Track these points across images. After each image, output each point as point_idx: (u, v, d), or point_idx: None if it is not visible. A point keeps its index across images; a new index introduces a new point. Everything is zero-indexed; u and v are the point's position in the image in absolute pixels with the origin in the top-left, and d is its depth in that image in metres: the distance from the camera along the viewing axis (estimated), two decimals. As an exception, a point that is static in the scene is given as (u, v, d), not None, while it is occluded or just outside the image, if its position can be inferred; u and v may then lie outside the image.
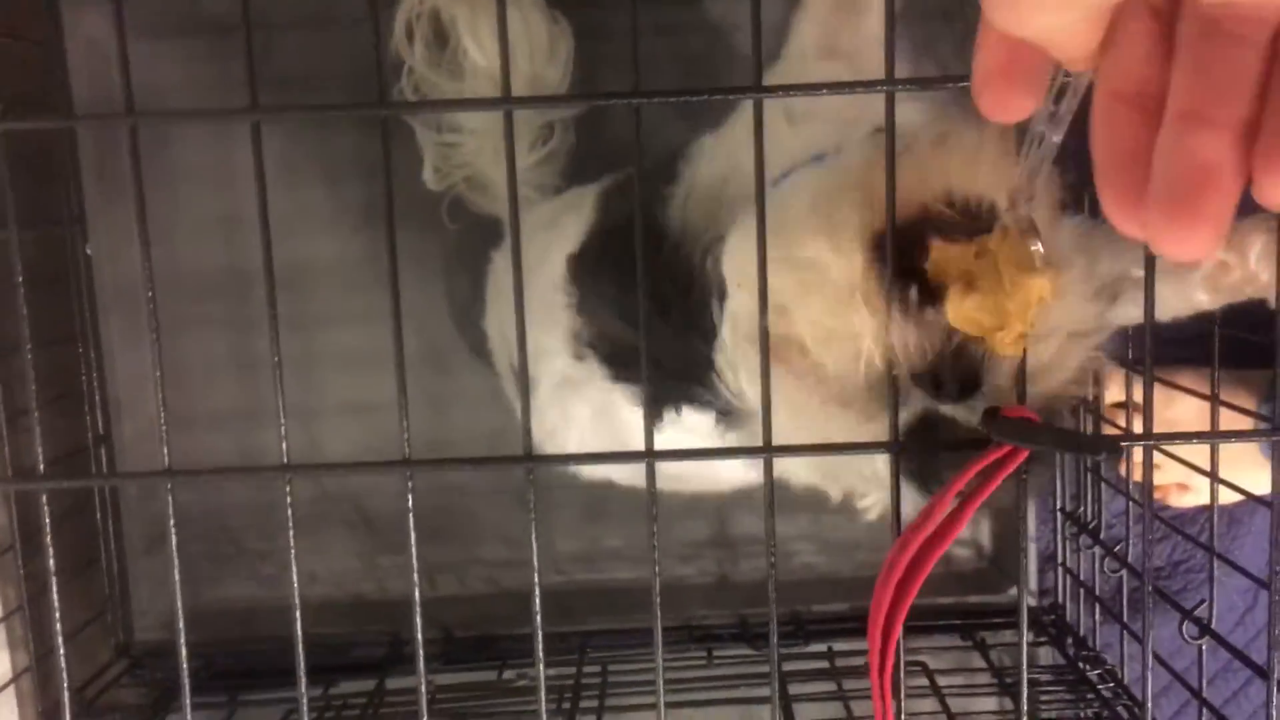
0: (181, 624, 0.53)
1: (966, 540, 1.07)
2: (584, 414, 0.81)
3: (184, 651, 0.54)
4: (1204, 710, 0.77)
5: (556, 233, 0.82)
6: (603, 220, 0.78)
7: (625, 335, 0.64)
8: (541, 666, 0.56)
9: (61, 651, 0.57)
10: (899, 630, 0.52)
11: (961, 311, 0.49)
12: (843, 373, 0.53)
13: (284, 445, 0.53)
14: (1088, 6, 0.31)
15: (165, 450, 0.53)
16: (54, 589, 0.54)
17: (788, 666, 0.98)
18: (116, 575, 1.02)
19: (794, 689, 0.95)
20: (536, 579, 0.53)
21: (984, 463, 0.51)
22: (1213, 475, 0.72)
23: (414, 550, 0.54)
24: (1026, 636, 1.00)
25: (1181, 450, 0.89)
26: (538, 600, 0.54)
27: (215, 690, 0.97)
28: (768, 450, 0.52)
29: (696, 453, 0.55)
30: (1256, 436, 0.61)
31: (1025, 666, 0.55)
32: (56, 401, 0.95)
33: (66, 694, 0.60)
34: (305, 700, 0.58)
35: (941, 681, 0.94)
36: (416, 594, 0.54)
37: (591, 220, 0.80)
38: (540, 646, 0.56)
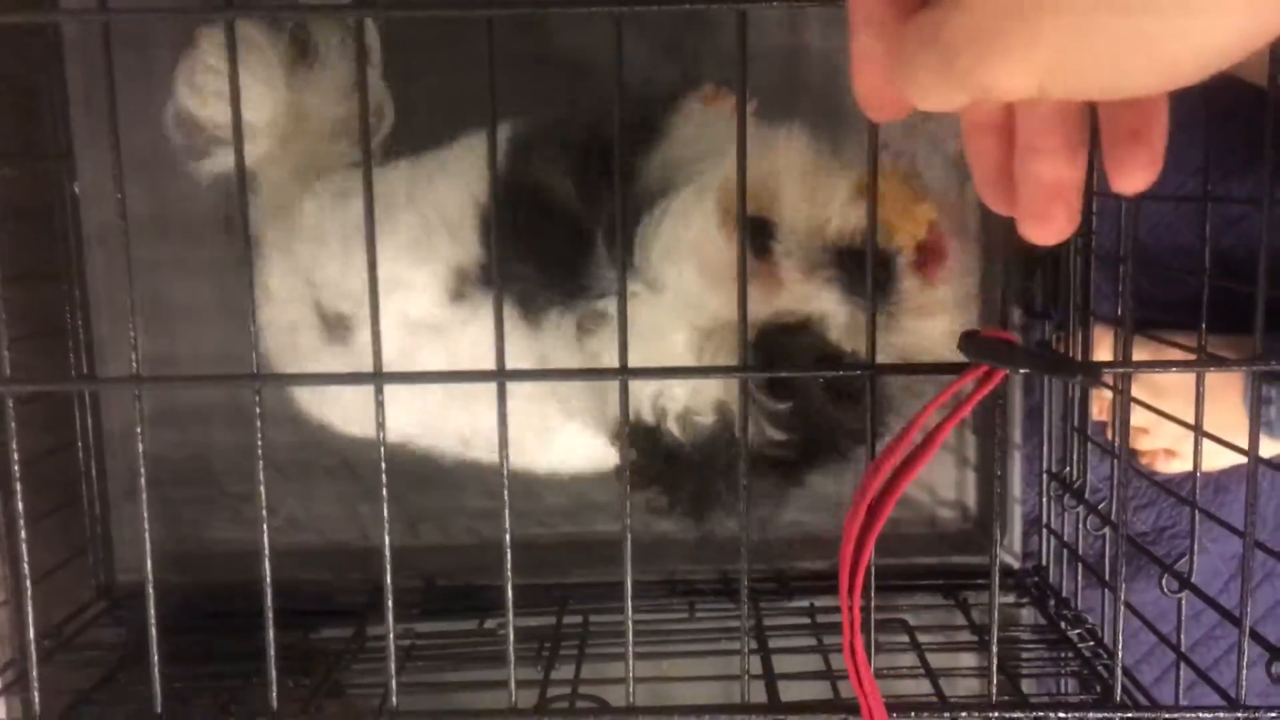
0: (148, 523, 0.53)
1: (951, 502, 1.07)
2: (434, 363, 0.77)
3: (150, 559, 0.54)
4: (1182, 666, 0.77)
5: (441, 173, 0.81)
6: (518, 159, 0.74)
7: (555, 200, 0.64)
8: (510, 587, 0.56)
9: (26, 558, 0.56)
10: (869, 554, 0.52)
11: None
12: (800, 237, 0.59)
13: (254, 355, 0.52)
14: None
15: (135, 356, 0.52)
16: (19, 495, 0.54)
17: (769, 621, 0.98)
18: (98, 516, 1.02)
19: (775, 643, 0.94)
20: (507, 491, 0.53)
21: (960, 384, 0.50)
22: (1198, 409, 0.71)
23: (384, 467, 0.54)
24: (1009, 598, 1.01)
25: (1169, 409, 0.89)
26: (508, 518, 0.53)
27: (194, 632, 0.97)
28: (743, 370, 0.51)
29: (671, 371, 0.55)
30: (1238, 365, 0.60)
31: (996, 592, 0.54)
32: (37, 338, 0.95)
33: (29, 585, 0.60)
34: (272, 634, 0.58)
35: (923, 639, 0.94)
36: (385, 510, 0.53)
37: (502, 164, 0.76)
38: (510, 562, 0.56)
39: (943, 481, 1.06)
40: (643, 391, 0.62)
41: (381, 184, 0.78)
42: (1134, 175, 0.39)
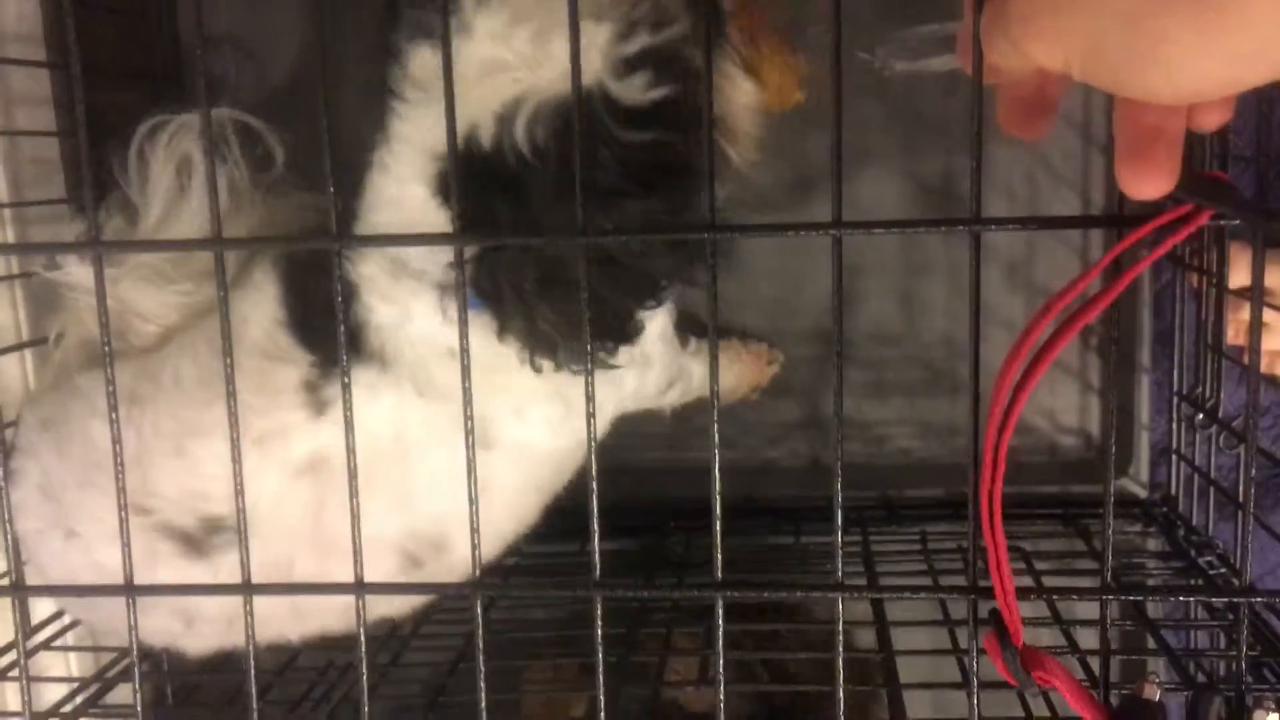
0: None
1: (1073, 429, 1.02)
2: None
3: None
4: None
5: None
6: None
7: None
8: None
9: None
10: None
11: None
12: None
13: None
14: None
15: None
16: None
17: (877, 548, 0.95)
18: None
19: (882, 568, 0.91)
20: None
21: (1162, 221, 0.46)
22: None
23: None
24: (1135, 527, 0.96)
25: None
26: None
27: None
28: (837, 226, 0.48)
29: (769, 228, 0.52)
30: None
31: (1112, 466, 0.50)
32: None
33: None
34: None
35: (1040, 566, 0.91)
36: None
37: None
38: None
39: (1064, 407, 1.01)
40: (487, 93, 0.57)
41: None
42: (1132, 184, 0.41)
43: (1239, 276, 0.94)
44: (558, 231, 0.55)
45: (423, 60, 0.60)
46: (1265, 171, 0.80)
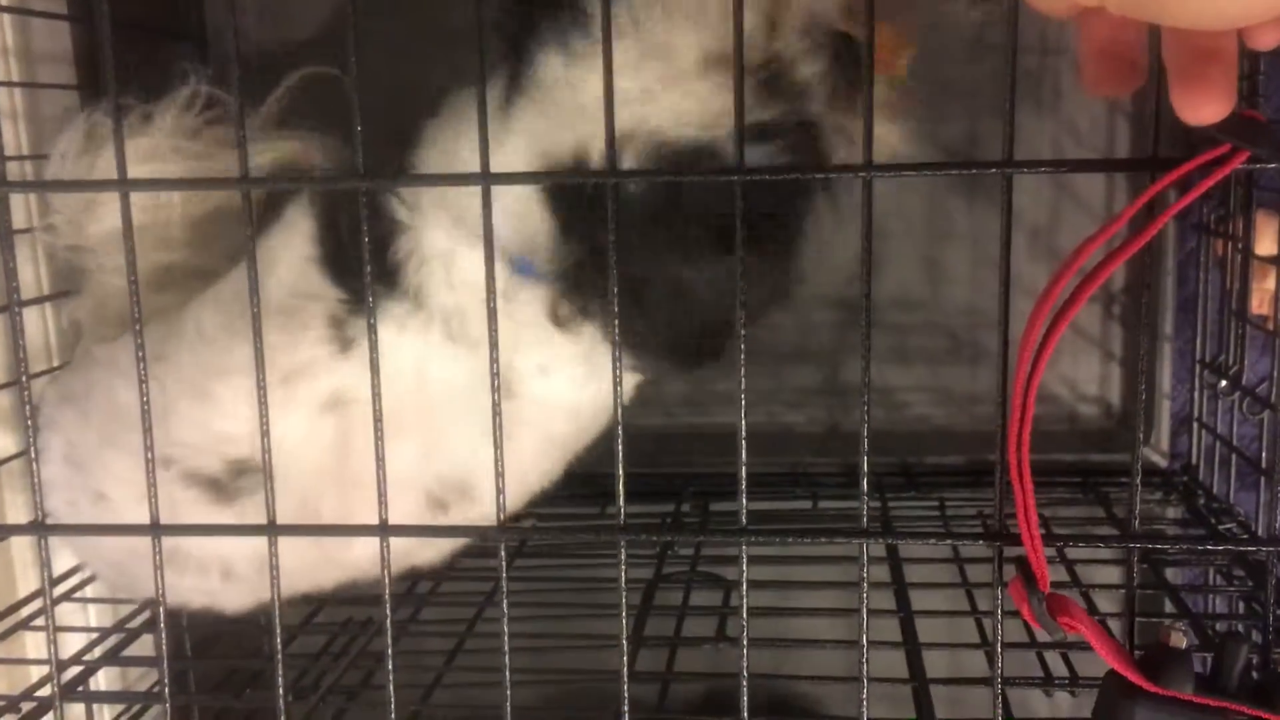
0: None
1: (1094, 398, 1.01)
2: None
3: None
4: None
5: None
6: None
7: None
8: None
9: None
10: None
11: None
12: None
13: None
14: None
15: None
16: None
17: (896, 514, 0.95)
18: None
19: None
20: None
21: (1197, 163, 0.45)
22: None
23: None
24: (1155, 495, 0.96)
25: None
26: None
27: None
28: (867, 169, 0.48)
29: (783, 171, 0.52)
30: None
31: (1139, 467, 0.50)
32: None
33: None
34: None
35: (1061, 531, 0.90)
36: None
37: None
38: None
39: (1085, 376, 1.01)
40: (591, 118, 0.56)
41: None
42: (1188, 108, 0.39)
43: (1264, 245, 0.94)
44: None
45: (552, 70, 0.60)
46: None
